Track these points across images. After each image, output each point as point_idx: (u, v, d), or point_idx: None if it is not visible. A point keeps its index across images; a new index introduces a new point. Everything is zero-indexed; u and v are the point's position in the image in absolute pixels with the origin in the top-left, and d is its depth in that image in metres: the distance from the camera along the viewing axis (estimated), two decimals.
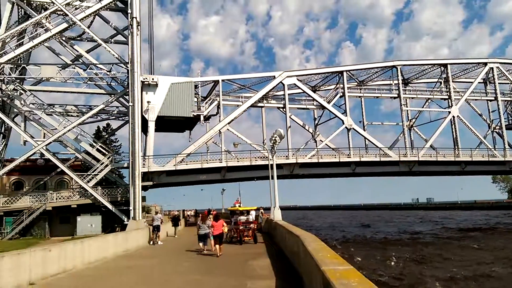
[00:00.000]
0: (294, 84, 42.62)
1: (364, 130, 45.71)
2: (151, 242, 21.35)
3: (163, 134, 46.02)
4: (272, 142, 23.04)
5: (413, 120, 49.91)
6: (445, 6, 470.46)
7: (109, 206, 34.40)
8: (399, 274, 20.10)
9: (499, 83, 48.31)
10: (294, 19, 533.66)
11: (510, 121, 54.49)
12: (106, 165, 36.76)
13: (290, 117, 42.97)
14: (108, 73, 36.20)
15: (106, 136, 50.51)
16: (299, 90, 44.05)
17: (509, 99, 51.34)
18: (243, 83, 44.95)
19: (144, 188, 35.55)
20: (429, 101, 49.45)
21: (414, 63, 48.10)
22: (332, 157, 40.91)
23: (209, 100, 41.87)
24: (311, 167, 40.59)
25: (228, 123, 39.81)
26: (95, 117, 40.27)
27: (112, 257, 16.08)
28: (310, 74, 46.44)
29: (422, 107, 49.64)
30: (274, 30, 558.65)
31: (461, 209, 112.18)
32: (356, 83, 48.60)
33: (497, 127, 49.34)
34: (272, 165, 24.64)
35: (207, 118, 41.21)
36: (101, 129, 52.98)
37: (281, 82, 41.86)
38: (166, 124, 40.19)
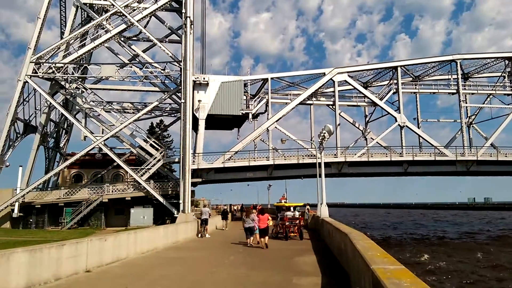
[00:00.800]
0: (345, 80, 41.67)
1: (418, 127, 43.79)
2: (199, 235, 21.83)
3: (212, 131, 47.10)
4: (320, 138, 22.60)
5: (473, 117, 46.94)
6: None
7: (161, 199, 35.70)
8: (453, 275, 19.02)
9: None
10: (346, 13, 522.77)
11: None
12: (159, 160, 38.20)
13: (339, 114, 42.10)
14: (162, 71, 37.54)
15: (159, 132, 52.45)
16: (350, 87, 43.04)
17: None
18: (292, 80, 44.74)
19: (193, 184, 36.51)
20: (491, 96, 46.20)
21: (475, 57, 45.23)
22: (383, 156, 39.57)
23: (258, 98, 42.11)
24: (360, 166, 39.52)
25: (276, 121, 39.77)
26: (149, 113, 41.93)
27: (162, 248, 16.58)
28: (362, 70, 45.13)
29: (483, 103, 46.52)
30: (325, 24, 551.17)
31: None
32: (411, 78, 46.60)
33: None
34: (320, 163, 24.21)
35: (255, 116, 41.44)
36: (154, 125, 55.10)
37: (331, 79, 41.11)
38: (215, 122, 40.98)
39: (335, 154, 38.72)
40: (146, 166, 37.98)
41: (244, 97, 40.23)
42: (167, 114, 44.15)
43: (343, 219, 62.75)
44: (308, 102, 43.13)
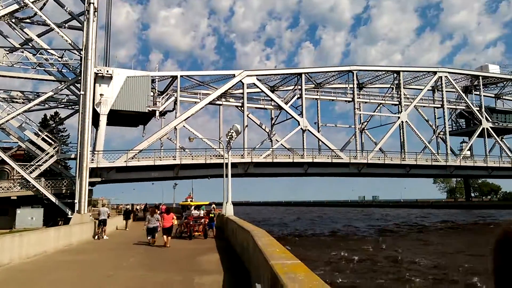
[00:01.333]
0: (253, 83, 42.74)
1: (318, 131, 46.73)
2: (96, 237, 20.53)
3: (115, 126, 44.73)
4: (228, 137, 22.84)
5: (365, 123, 51.70)
6: (401, 13, 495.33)
7: (53, 199, 32.67)
8: (346, 267, 20.66)
9: (446, 91, 51.22)
10: (256, 16, 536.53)
11: (454, 127, 58.12)
12: (52, 156, 34.89)
13: (247, 116, 43.03)
14: (60, 59, 34.38)
15: (54, 125, 47.98)
16: (258, 89, 44.27)
17: (454, 107, 54.68)
18: (202, 79, 44.48)
19: (92, 184, 34.15)
20: (381, 105, 51.45)
21: (369, 69, 49.75)
22: (286, 157, 41.43)
23: (166, 95, 40.95)
24: (265, 167, 40.84)
25: (184, 120, 39.17)
26: (43, 104, 38.09)
27: (53, 251, 15.25)
28: (270, 75, 46.78)
29: (374, 111, 51.54)
30: (236, 26, 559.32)
31: (404, 207, 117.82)
32: (313, 85, 49.58)
33: (441, 133, 52.34)
34: (227, 163, 24.44)
35: (162, 114, 40.24)
36: (48, 118, 50.32)
37: (240, 81, 41.82)
38: (119, 118, 38.88)
39: (242, 155, 39.45)
40: (36, 162, 34.44)
41: (151, 94, 38.84)
42: (63, 106, 40.51)
43: (247, 217, 64.20)
44: (218, 102, 43.33)
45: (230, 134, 22.53)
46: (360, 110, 49.19)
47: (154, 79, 39.37)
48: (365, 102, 51.09)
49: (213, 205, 28.74)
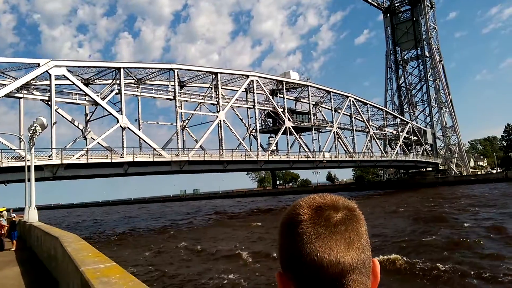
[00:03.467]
0: (64, 75, 38.30)
1: (139, 129, 45.42)
2: None
3: None
4: (31, 132, 19.56)
5: (186, 121, 52.90)
6: (217, 16, 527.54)
7: None
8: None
9: (257, 93, 56.76)
10: None
11: (263, 126, 65.20)
12: None
13: (56, 111, 38.33)
14: None
15: None
16: (69, 82, 39.93)
17: (263, 108, 61.20)
18: None
19: None
20: (201, 104, 53.49)
21: (189, 68, 50.89)
22: (104, 157, 38.57)
23: None
24: (79, 168, 37.11)
25: None
26: None
27: None
28: (84, 67, 42.76)
29: (195, 110, 53.27)
30: (41, 6, 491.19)
31: (221, 197, 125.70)
32: (133, 81, 47.83)
33: (253, 131, 57.94)
34: (29, 166, 21.01)
35: None
36: None
37: (47, 71, 36.86)
38: None
39: (49, 156, 34.77)
40: None
41: None
42: None
43: (57, 221, 57.86)
44: (17, 95, 37.13)
45: (33, 128, 19.42)
46: (181, 108, 49.96)
47: None
48: (186, 101, 52.23)
49: (9, 212, 24.67)
